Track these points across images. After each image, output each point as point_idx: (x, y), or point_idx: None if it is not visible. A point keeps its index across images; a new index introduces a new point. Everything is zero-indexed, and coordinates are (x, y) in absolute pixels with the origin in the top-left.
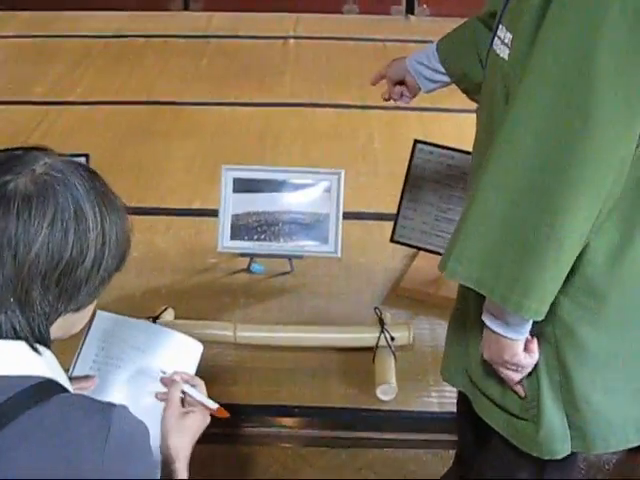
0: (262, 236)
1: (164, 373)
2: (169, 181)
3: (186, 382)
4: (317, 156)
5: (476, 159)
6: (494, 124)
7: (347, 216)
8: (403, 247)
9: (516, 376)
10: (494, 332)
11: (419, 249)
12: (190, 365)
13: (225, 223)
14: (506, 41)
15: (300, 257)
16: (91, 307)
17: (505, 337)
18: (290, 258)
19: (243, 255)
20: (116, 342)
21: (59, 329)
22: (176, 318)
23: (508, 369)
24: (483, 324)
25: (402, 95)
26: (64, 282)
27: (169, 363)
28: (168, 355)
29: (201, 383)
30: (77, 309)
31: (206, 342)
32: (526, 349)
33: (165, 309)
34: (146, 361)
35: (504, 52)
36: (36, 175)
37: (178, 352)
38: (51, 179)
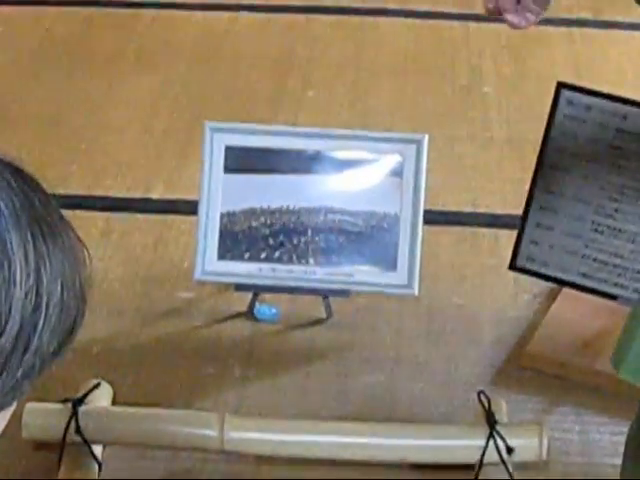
0: (276, 254)
1: None
2: (109, 149)
3: None
4: (378, 108)
5: None
6: None
7: (430, 219)
8: (532, 279)
9: None
10: None
11: (561, 284)
12: None
13: (209, 228)
14: None
15: (346, 294)
16: (12, 409)
17: None
18: (326, 296)
19: (240, 288)
20: None
21: None
22: (115, 403)
23: None
24: None
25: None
26: None
27: None
28: None
29: None
30: None
31: (169, 449)
32: None
33: (96, 386)
34: None
35: None
36: None
37: None
38: None
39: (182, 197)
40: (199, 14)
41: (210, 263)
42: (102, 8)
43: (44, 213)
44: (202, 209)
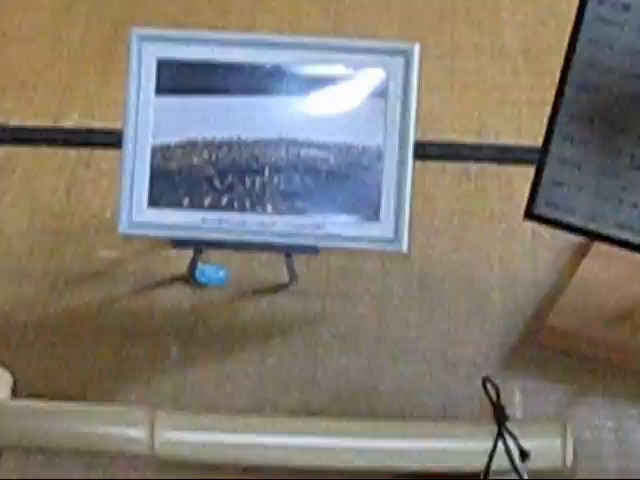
0: (224, 199)
1: None
2: (9, 63)
3: None
4: (355, 8)
5: None
6: None
7: (422, 153)
8: (554, 231)
9: None
10: None
11: (591, 237)
12: None
13: (137, 167)
14: None
15: (314, 251)
16: None
17: None
18: (289, 253)
19: (178, 244)
20: None
21: None
22: (15, 394)
23: None
24: None
25: None
26: None
27: None
28: None
29: None
30: None
31: (85, 455)
32: None
33: None
34: None
35: None
36: None
37: None
38: None
39: (102, 126)
40: None
41: (139, 212)
42: None
43: None
44: (128, 142)
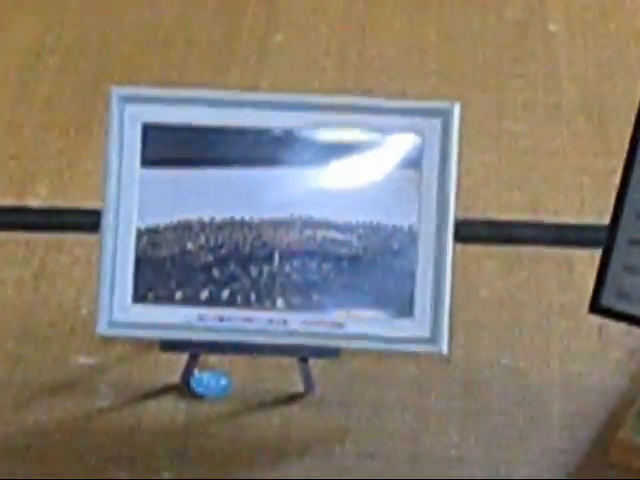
0: (225, 293)
1: None
2: None
3: None
4: (382, 60)
5: None
6: None
7: (465, 234)
8: (625, 327)
9: None
10: None
11: None
12: None
13: (119, 254)
14: None
15: (334, 354)
16: None
17: None
18: (305, 357)
19: (169, 347)
20: None
21: None
22: None
23: None
24: None
25: None
26: None
27: None
28: None
29: None
30: None
31: None
32: None
33: None
34: None
35: None
36: None
37: None
38: None
39: (76, 205)
40: None
41: (121, 309)
42: None
43: None
44: (108, 224)
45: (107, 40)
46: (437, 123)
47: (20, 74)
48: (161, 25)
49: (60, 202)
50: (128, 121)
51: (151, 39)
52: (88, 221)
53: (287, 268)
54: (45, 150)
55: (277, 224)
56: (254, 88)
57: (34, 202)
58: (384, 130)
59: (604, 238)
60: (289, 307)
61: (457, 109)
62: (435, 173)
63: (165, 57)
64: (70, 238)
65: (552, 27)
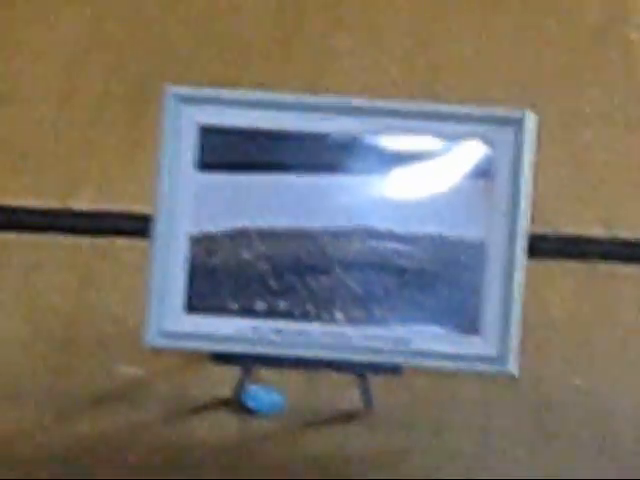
0: (281, 304)
1: None
2: (8, 129)
3: None
4: (451, 64)
5: None
6: None
7: (537, 249)
8: None
9: None
10: None
11: None
12: None
13: (170, 261)
14: None
15: (397, 372)
16: None
17: None
18: (364, 374)
19: (222, 360)
20: None
21: None
22: None
23: None
24: None
25: None
26: None
27: None
28: None
29: None
30: None
31: None
32: None
33: None
34: None
35: None
36: None
37: None
38: None
39: (124, 208)
40: None
41: (172, 319)
42: None
43: None
44: (160, 229)
45: (160, 37)
46: (509, 132)
47: (68, 70)
48: (219, 23)
49: (108, 205)
50: (184, 122)
51: (208, 37)
52: (137, 226)
53: (348, 280)
54: (93, 151)
55: (338, 234)
56: (316, 91)
57: (80, 205)
58: (452, 138)
59: None
60: (349, 321)
61: (530, 118)
62: (506, 184)
63: (223, 56)
64: (118, 243)
65: (633, 35)
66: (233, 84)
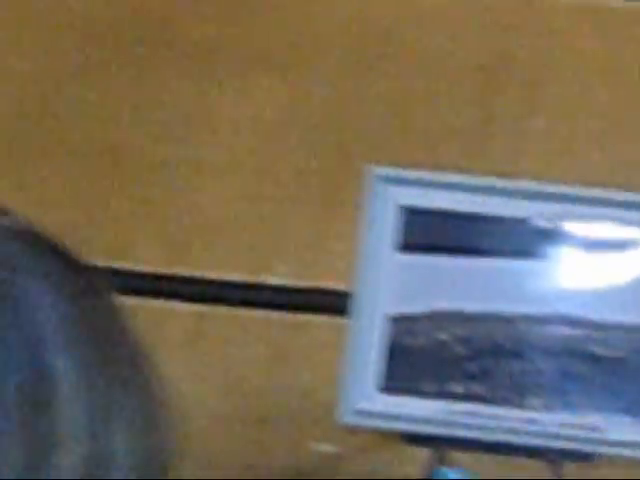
0: (476, 387)
1: None
2: (201, 201)
3: None
4: None
5: None
6: None
7: None
8: None
9: None
10: None
11: None
12: None
13: (367, 339)
14: None
15: (589, 459)
16: None
17: None
18: (557, 460)
19: (415, 441)
20: None
21: None
22: None
23: None
24: None
25: None
26: None
27: None
28: None
29: None
30: None
31: None
32: None
33: None
34: None
35: None
36: None
37: None
38: None
39: (320, 285)
40: None
41: (366, 397)
42: None
43: (105, 326)
44: (358, 308)
45: (358, 115)
46: None
47: (265, 144)
48: (418, 104)
49: (302, 281)
50: (386, 203)
51: (406, 117)
52: (331, 303)
53: (543, 366)
54: (288, 225)
55: (534, 319)
56: (513, 175)
57: (275, 279)
58: None
59: None
60: (544, 407)
61: None
62: None
63: (418, 137)
64: (310, 319)
65: None
66: (428, 166)
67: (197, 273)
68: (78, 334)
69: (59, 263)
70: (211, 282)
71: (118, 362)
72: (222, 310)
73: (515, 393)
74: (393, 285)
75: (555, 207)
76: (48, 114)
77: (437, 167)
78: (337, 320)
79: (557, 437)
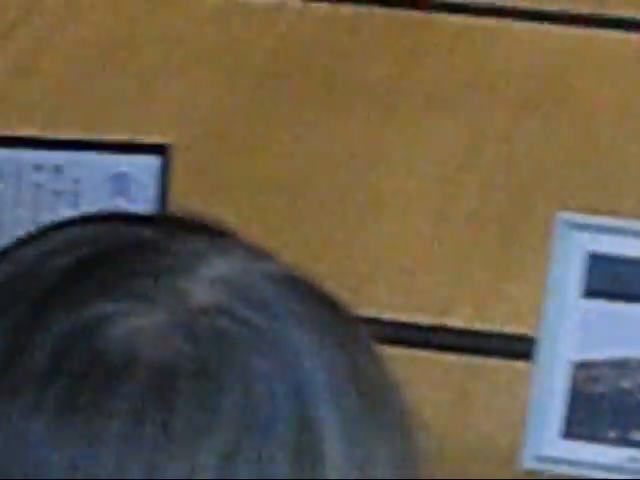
0: None
1: None
2: (382, 243)
3: None
4: None
5: None
6: None
7: None
8: None
9: None
10: None
11: None
12: None
13: (549, 385)
14: None
15: None
16: None
17: None
18: None
19: None
20: None
21: None
22: None
23: None
24: None
25: None
26: None
27: None
28: None
29: None
30: None
31: None
32: None
33: None
34: None
35: None
36: (194, 312)
37: None
38: (236, 331)
39: (498, 328)
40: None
41: (548, 443)
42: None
43: (373, 377)
44: (542, 354)
45: (532, 158)
46: None
47: (442, 186)
48: (593, 149)
49: (482, 324)
50: (572, 249)
51: (585, 161)
52: (512, 347)
53: None
54: (468, 268)
55: None
56: None
57: (455, 322)
58: None
59: None
60: None
61: None
62: None
63: (600, 183)
64: (491, 363)
65: None
66: (617, 212)
67: (375, 314)
68: (344, 383)
69: (323, 309)
70: (390, 323)
71: (383, 413)
72: (402, 352)
73: None
74: (576, 331)
75: None
76: (232, 149)
77: (619, 213)
78: (518, 364)
79: None
